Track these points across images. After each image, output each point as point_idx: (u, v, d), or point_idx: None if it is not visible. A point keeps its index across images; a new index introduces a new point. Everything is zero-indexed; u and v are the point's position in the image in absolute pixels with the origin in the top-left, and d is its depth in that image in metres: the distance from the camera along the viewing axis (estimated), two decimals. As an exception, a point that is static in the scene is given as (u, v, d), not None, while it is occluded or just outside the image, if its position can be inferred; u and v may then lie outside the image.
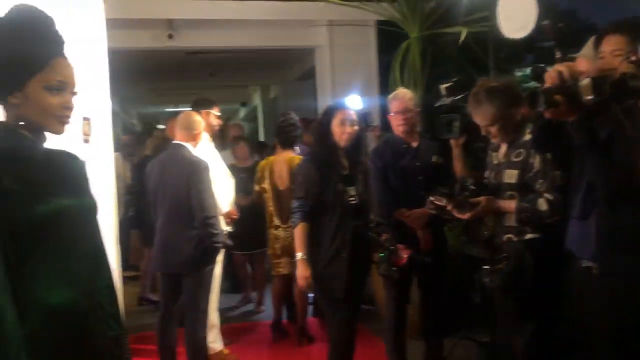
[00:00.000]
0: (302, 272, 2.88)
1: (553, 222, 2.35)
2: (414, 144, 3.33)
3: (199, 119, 3.50)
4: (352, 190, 2.90)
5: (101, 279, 1.55)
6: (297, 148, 4.48)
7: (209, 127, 3.88)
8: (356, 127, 2.96)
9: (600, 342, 2.02)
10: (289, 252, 4.27)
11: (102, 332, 1.52)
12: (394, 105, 3.34)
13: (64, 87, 1.45)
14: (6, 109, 1.44)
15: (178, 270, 3.31)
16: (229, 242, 3.37)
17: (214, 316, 3.91)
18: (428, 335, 3.50)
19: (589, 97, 1.75)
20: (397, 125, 3.31)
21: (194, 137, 3.43)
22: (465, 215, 2.55)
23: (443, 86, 3.12)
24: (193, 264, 3.23)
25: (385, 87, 4.45)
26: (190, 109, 3.89)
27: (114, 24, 4.21)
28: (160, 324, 3.44)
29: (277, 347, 4.35)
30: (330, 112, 2.99)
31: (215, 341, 3.95)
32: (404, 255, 3.08)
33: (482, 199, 2.51)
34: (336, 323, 2.96)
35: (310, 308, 4.80)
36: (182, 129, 3.43)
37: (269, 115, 10.82)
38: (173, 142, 3.47)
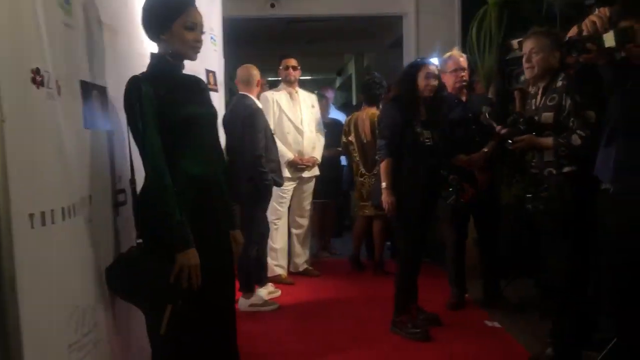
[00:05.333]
0: (386, 198, 3.35)
1: (586, 155, 2.59)
2: (464, 99, 3.76)
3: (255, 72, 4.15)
4: (427, 134, 3.33)
5: (220, 165, 2.20)
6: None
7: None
8: (436, 82, 3.36)
9: (614, 256, 2.34)
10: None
11: (220, 198, 2.17)
12: (448, 65, 3.76)
13: (196, 27, 2.07)
14: (158, 44, 2.10)
15: None
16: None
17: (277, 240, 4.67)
18: (486, 272, 3.93)
19: (611, 46, 2.13)
20: (453, 83, 3.72)
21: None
22: (514, 146, 2.89)
23: (515, 41, 3.46)
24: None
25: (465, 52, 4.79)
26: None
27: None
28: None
29: (354, 277, 4.96)
30: (416, 66, 3.41)
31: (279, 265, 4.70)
32: (469, 191, 3.54)
33: (525, 136, 2.84)
34: (406, 242, 3.45)
35: (389, 252, 5.34)
36: (240, 81, 4.15)
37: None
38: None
